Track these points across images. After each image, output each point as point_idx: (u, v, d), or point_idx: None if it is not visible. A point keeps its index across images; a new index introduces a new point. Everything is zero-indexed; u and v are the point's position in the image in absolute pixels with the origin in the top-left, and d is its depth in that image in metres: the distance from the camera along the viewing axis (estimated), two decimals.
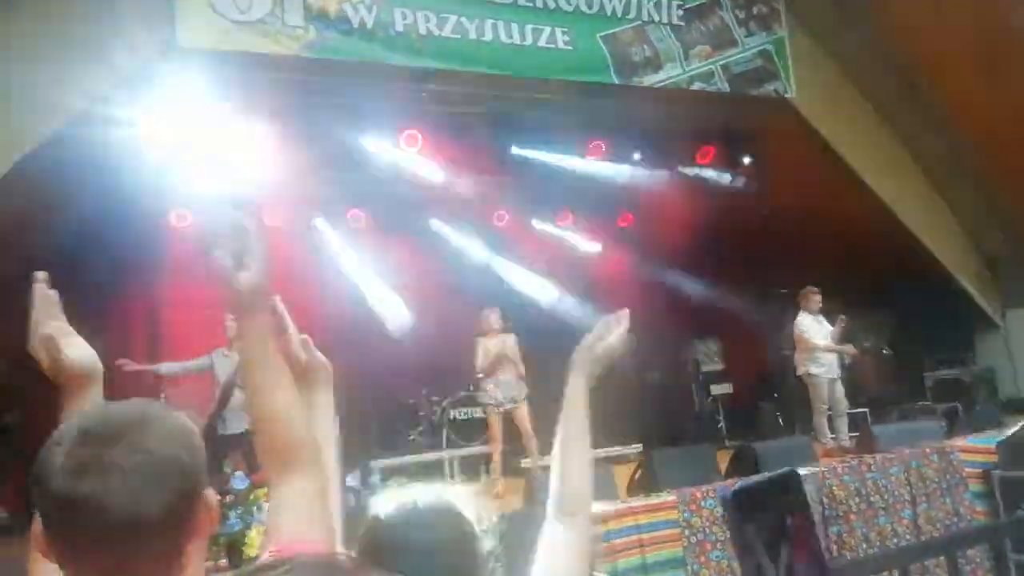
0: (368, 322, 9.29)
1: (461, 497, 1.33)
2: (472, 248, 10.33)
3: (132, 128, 6.91)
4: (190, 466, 0.97)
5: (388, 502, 1.31)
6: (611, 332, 1.55)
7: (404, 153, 8.29)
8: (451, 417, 8.61)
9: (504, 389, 6.96)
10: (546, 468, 5.88)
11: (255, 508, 3.36)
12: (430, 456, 8.11)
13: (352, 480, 3.77)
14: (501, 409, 6.90)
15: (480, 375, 7.14)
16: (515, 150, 8.74)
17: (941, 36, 8.32)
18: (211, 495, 1.01)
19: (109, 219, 7.60)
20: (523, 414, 6.92)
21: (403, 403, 8.99)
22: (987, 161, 9.41)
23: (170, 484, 0.94)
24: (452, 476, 8.18)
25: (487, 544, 1.29)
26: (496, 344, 7.03)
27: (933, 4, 8.03)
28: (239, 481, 3.61)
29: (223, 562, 3.23)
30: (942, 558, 5.19)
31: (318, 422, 1.47)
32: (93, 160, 6.70)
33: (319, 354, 1.51)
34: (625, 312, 1.58)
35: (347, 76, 7.32)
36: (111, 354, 7.52)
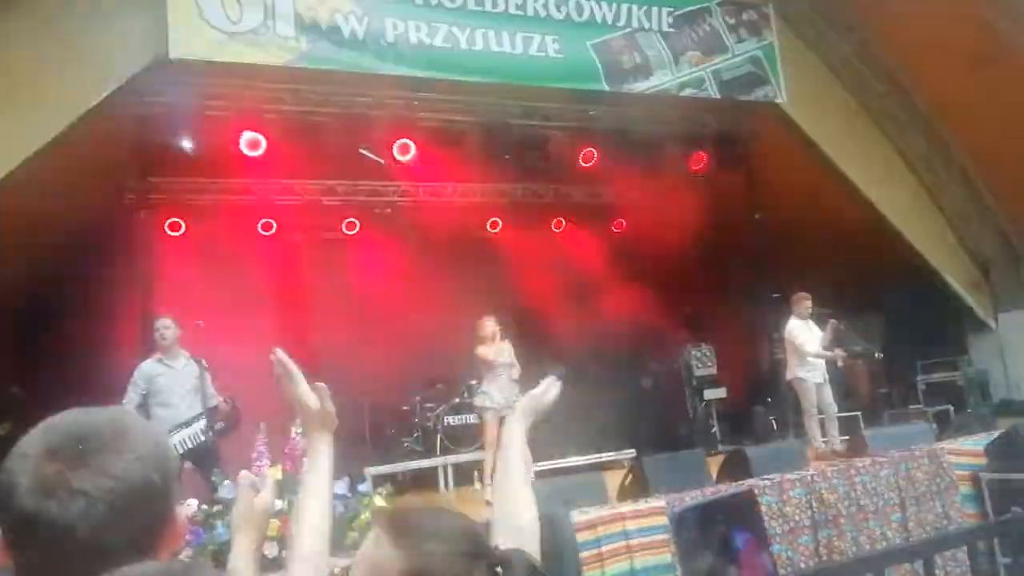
0: (363, 329, 9.31)
1: (457, 515, 1.39)
2: (466, 255, 10.35)
3: (126, 137, 6.96)
4: (160, 490, 0.95)
5: (389, 517, 1.37)
6: (550, 392, 1.72)
7: (397, 161, 8.33)
8: (445, 423, 8.62)
9: (502, 393, 7.01)
10: (538, 475, 5.91)
11: None
12: (424, 463, 8.11)
13: (341, 487, 3.79)
14: (500, 413, 6.94)
15: (473, 382, 7.16)
16: (507, 157, 8.77)
17: (930, 42, 8.39)
18: (180, 514, 1.00)
19: (99, 226, 7.62)
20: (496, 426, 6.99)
21: (397, 410, 9.01)
22: (978, 165, 9.48)
23: (138, 510, 0.92)
24: (446, 483, 8.19)
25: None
26: (494, 351, 7.08)
27: (921, 10, 8.10)
28: (227, 490, 3.64)
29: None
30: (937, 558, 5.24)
31: (318, 466, 1.53)
32: (87, 167, 6.73)
33: (330, 404, 1.57)
34: (556, 379, 1.76)
35: (340, 85, 7.38)
36: (99, 364, 7.57)
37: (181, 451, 5.41)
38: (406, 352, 9.10)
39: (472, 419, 8.39)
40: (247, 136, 7.36)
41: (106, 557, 0.87)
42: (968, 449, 6.22)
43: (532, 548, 1.47)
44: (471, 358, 7.18)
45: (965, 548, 5.43)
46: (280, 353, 1.59)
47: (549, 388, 1.73)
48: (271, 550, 3.40)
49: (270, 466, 3.65)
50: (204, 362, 5.94)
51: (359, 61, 6.89)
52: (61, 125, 5.82)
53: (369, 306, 9.58)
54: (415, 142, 8.14)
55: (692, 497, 4.99)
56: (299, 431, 3.93)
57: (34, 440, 0.94)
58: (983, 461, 6.10)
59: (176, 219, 8.46)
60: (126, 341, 8.10)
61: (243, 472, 1.55)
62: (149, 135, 7.13)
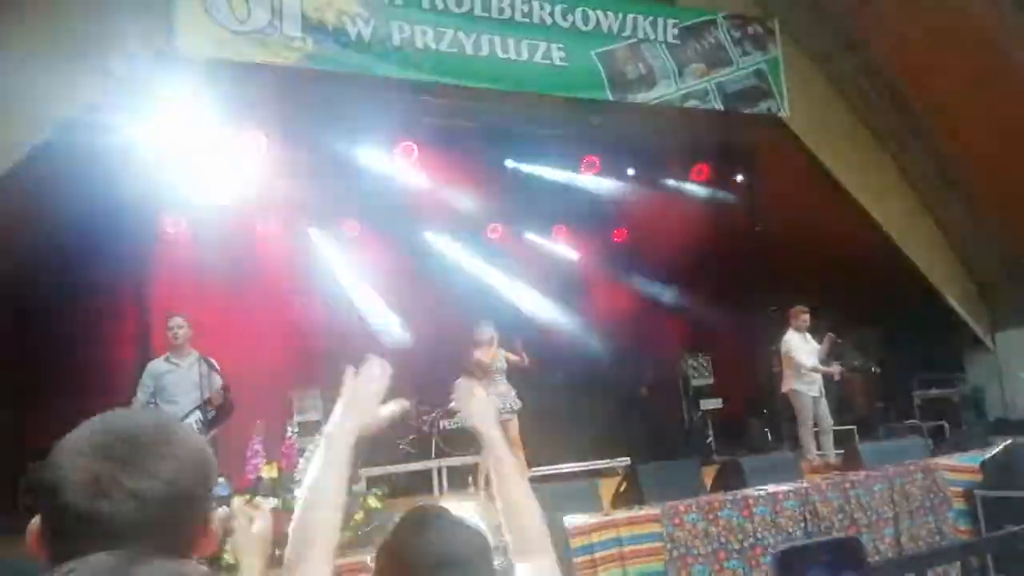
0: (359, 331, 9.33)
1: (479, 512, 1.41)
2: (465, 260, 10.39)
3: (129, 135, 6.96)
4: (203, 498, 1.00)
5: (411, 514, 1.39)
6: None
7: (399, 164, 8.35)
8: (441, 427, 8.62)
9: (499, 400, 7.00)
10: (533, 481, 5.91)
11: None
12: (419, 466, 8.11)
13: (359, 488, 3.79)
14: (497, 419, 6.91)
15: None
16: (510, 164, 8.81)
17: (933, 58, 8.43)
18: (214, 520, 1.04)
19: (100, 225, 7.63)
20: (515, 425, 6.96)
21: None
22: (978, 182, 9.50)
23: (184, 514, 0.96)
24: (441, 486, 8.19)
25: (497, 560, 1.35)
26: (491, 357, 7.08)
27: (925, 27, 8.14)
28: (221, 489, 3.64)
29: (201, 565, 3.25)
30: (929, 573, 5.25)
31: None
32: (88, 166, 6.73)
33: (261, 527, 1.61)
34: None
35: (344, 87, 7.40)
36: (101, 359, 7.57)
37: None
38: (402, 355, 9.10)
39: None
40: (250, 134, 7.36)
41: (160, 556, 0.88)
42: (963, 465, 6.22)
43: (545, 552, 1.50)
44: (468, 363, 7.18)
45: (958, 564, 5.45)
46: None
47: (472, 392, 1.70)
48: None
49: (265, 464, 3.65)
50: (215, 362, 5.98)
51: (365, 63, 6.92)
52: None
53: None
54: (417, 145, 8.15)
55: (687, 506, 5.00)
56: (296, 431, 3.94)
57: (83, 438, 0.96)
58: (978, 478, 6.10)
59: (176, 217, 8.46)
60: (123, 338, 8.13)
61: (235, 500, 1.54)
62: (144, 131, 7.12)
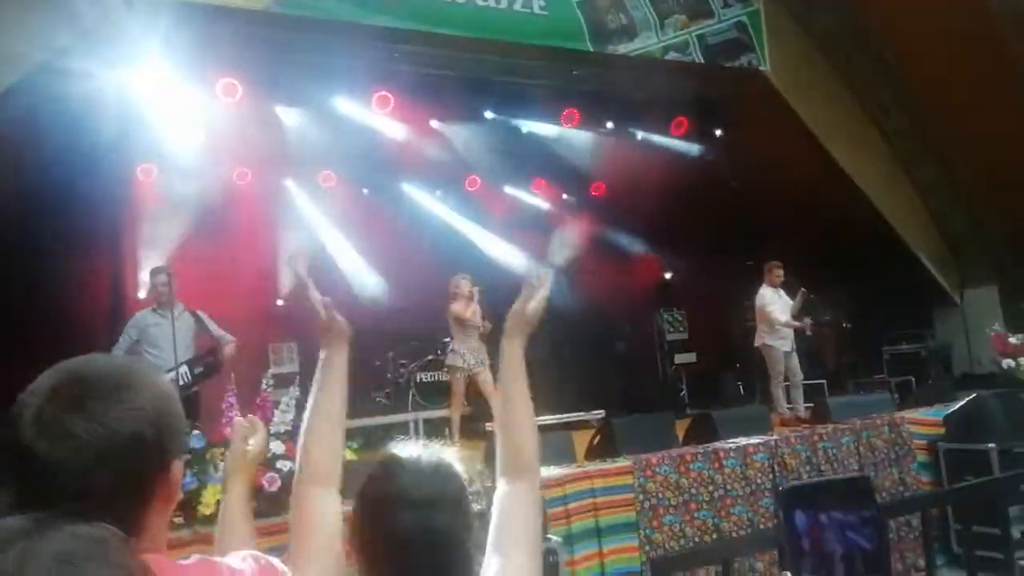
0: (335, 284, 9.26)
1: (457, 458, 1.37)
2: (442, 212, 10.31)
3: (95, 81, 6.76)
4: (153, 443, 0.97)
5: (390, 455, 1.37)
6: (536, 293, 1.62)
7: (375, 114, 8.21)
8: (417, 380, 8.67)
9: (473, 354, 7.02)
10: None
11: (211, 467, 3.41)
12: (395, 418, 8.17)
13: None
14: (469, 373, 6.96)
15: (447, 339, 7.18)
16: (488, 115, 8.69)
17: (913, 16, 8.37)
18: (176, 468, 1.02)
19: (73, 172, 7.45)
20: (487, 378, 6.99)
21: (369, 365, 9.01)
22: (954, 143, 9.55)
23: (125, 460, 0.94)
24: (417, 438, 8.26)
25: (477, 506, 1.34)
26: (469, 310, 7.08)
27: None
28: (196, 440, 3.64)
29: (178, 519, 3.28)
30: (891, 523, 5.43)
31: (326, 382, 1.56)
32: (55, 113, 6.54)
33: (339, 316, 1.62)
34: (547, 273, 1.67)
35: (317, 34, 7.21)
36: (74, 305, 7.46)
37: None
38: (380, 308, 9.08)
39: (444, 376, 8.43)
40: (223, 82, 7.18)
41: (90, 501, 0.90)
42: (927, 419, 6.40)
43: (534, 472, 1.50)
44: (445, 316, 7.18)
45: (919, 514, 5.64)
46: (294, 259, 1.69)
47: (533, 290, 1.63)
48: None
49: (239, 417, 3.65)
50: (202, 313, 5.96)
51: (339, 9, 6.73)
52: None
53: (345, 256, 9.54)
54: (393, 94, 8.00)
55: (659, 458, 5.10)
56: (270, 383, 3.93)
57: (44, 380, 0.97)
58: (940, 431, 6.29)
59: (148, 164, 8.28)
60: (96, 285, 8.02)
61: (237, 419, 1.57)
62: (121, 78, 6.93)
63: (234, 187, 8.72)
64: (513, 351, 1.58)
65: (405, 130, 8.55)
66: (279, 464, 3.54)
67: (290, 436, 3.69)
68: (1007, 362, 6.98)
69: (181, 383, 5.47)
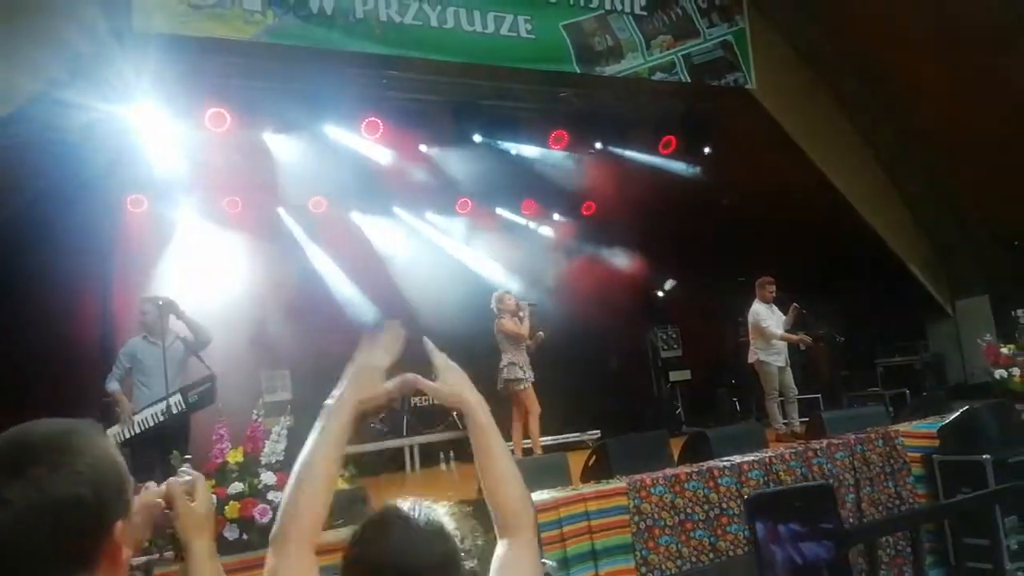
0: (330, 309, 9.26)
1: (448, 514, 1.35)
2: (434, 235, 10.34)
3: (87, 112, 6.79)
4: (94, 506, 0.97)
5: (373, 518, 1.34)
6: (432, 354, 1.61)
7: (365, 140, 8.25)
8: (412, 405, 8.64)
9: (526, 367, 7.18)
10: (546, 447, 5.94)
11: None
12: (390, 444, 8.14)
13: None
14: (525, 386, 7.07)
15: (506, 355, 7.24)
16: (477, 138, 8.75)
17: (898, 29, 8.48)
18: (121, 529, 1.01)
19: (64, 201, 7.47)
20: (534, 393, 7.15)
21: None
22: (940, 154, 9.64)
23: (63, 524, 0.94)
24: (413, 464, 8.23)
25: (469, 563, 1.31)
26: (521, 325, 7.18)
27: (885, 2, 8.18)
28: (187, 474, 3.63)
29: (168, 554, 3.25)
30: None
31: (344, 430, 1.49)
32: (48, 143, 6.58)
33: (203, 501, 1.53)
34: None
35: (306, 62, 7.27)
36: (60, 337, 7.44)
37: (149, 426, 5.45)
38: (371, 332, 9.06)
39: (438, 401, 8.42)
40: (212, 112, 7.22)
41: (33, 567, 0.91)
42: (921, 432, 6.38)
43: (524, 527, 1.47)
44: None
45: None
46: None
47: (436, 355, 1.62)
48: (231, 532, 3.40)
49: (231, 449, 3.64)
50: (192, 340, 5.96)
51: (328, 37, 6.80)
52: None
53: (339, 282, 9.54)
54: (382, 120, 8.05)
55: (654, 479, 5.08)
56: (261, 413, 3.93)
57: None
58: (935, 443, 6.28)
59: (138, 195, 8.29)
60: (87, 315, 8.00)
61: (171, 479, 1.48)
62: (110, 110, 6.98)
63: (225, 215, 8.74)
64: (480, 406, 1.56)
65: (395, 155, 8.59)
66: (270, 495, 3.52)
67: (281, 467, 3.68)
68: (999, 372, 6.99)
69: (175, 411, 5.45)
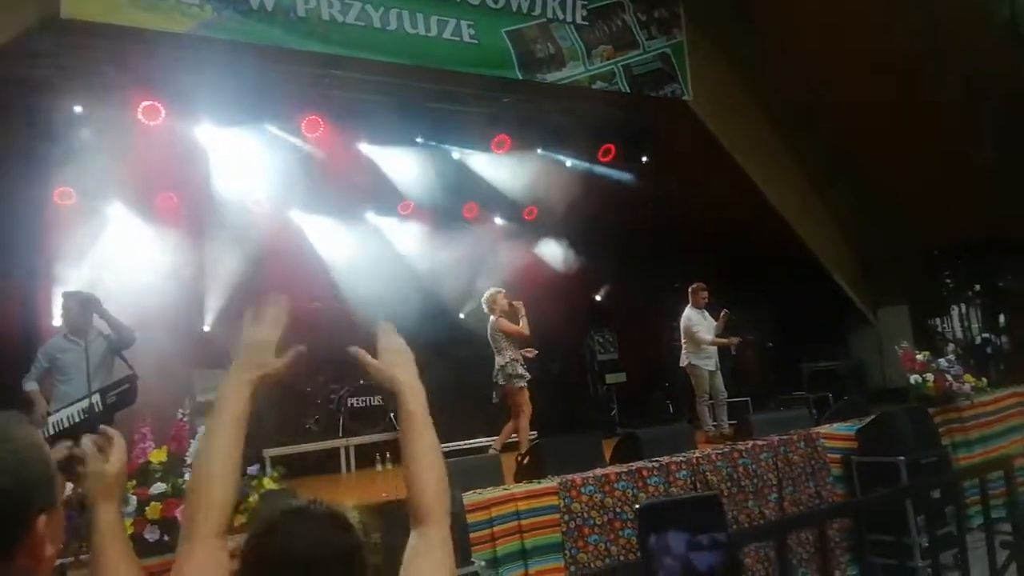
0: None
1: (353, 510, 1.32)
2: (377, 236, 10.28)
3: (12, 100, 6.58)
4: (15, 496, 0.95)
5: (272, 512, 1.31)
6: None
7: (305, 138, 8.18)
8: (348, 405, 8.58)
9: (523, 365, 7.24)
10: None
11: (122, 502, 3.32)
12: (325, 445, 8.06)
13: (253, 470, 3.75)
14: (523, 384, 7.16)
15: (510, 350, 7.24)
16: (420, 140, 8.76)
17: (826, 47, 8.82)
18: (42, 523, 0.99)
19: None
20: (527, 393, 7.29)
21: (300, 391, 8.90)
22: (865, 168, 10.06)
23: None
24: (348, 465, 8.18)
25: (372, 559, 1.29)
26: (521, 324, 7.24)
27: (820, 15, 8.50)
28: None
29: (84, 556, 3.19)
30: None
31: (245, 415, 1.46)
32: None
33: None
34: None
35: (245, 58, 7.17)
36: None
37: (67, 426, 5.28)
38: (311, 331, 8.98)
39: (375, 401, 8.39)
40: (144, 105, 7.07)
41: None
42: (841, 434, 6.66)
43: (439, 521, 1.45)
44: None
45: (836, 525, 5.87)
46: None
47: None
48: (152, 534, 3.35)
49: (154, 449, 3.58)
50: (115, 338, 5.78)
51: (268, 33, 6.73)
52: None
53: (277, 283, 9.39)
54: (323, 119, 8.00)
55: (584, 478, 5.18)
56: (187, 412, 3.88)
57: None
58: (853, 444, 6.56)
59: (67, 188, 8.04)
60: (8, 312, 7.72)
61: (84, 437, 1.40)
62: (38, 99, 6.78)
63: (159, 211, 8.54)
64: (403, 394, 1.54)
65: (336, 154, 8.53)
66: None
67: None
68: (915, 378, 7.32)
69: (96, 412, 5.31)
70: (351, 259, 9.81)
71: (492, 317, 7.32)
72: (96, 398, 5.40)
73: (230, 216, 9.18)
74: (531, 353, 7.42)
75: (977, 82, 8.92)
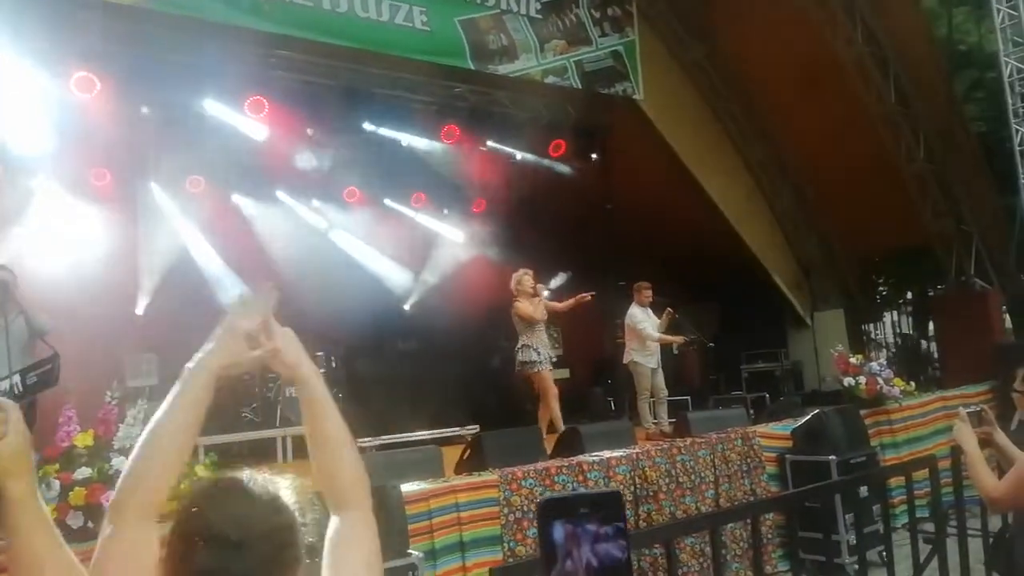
0: (204, 293, 8.85)
1: (289, 488, 1.26)
2: (319, 223, 10.09)
3: None
4: None
5: (211, 484, 1.26)
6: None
7: (248, 119, 7.95)
8: (286, 394, 8.38)
9: (544, 348, 7.14)
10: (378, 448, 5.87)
11: (45, 486, 3.16)
12: (262, 434, 7.86)
13: None
14: (538, 369, 7.07)
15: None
16: (367, 126, 8.60)
17: (771, 53, 9.02)
18: None
19: None
20: (550, 376, 7.22)
21: (236, 380, 8.67)
22: (806, 174, 10.33)
23: None
24: (285, 456, 7.99)
25: (308, 538, 1.24)
26: (536, 309, 7.15)
27: (766, 25, 8.68)
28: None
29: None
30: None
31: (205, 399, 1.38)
32: None
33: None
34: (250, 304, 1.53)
35: (189, 33, 6.94)
36: None
37: None
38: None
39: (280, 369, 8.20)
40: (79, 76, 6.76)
41: None
42: (776, 433, 6.80)
43: (359, 505, 1.41)
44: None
45: (768, 521, 5.99)
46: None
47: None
48: (76, 520, 3.19)
49: (80, 433, 3.42)
50: (33, 316, 5.47)
51: (211, 8, 6.51)
52: None
53: (216, 267, 9.13)
54: (268, 100, 7.78)
55: (525, 472, 5.16)
56: (116, 396, 3.71)
57: None
58: (788, 443, 6.71)
59: None
60: None
61: None
62: None
63: (91, 187, 8.19)
64: (302, 376, 1.46)
65: (280, 137, 8.31)
66: None
67: None
68: (848, 380, 7.54)
69: (15, 393, 5.04)
70: (293, 246, 9.60)
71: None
72: (16, 379, 5.11)
73: (166, 196, 8.90)
74: (584, 298, 7.46)
75: (911, 93, 9.27)
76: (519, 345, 7.27)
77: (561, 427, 7.13)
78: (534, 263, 11.03)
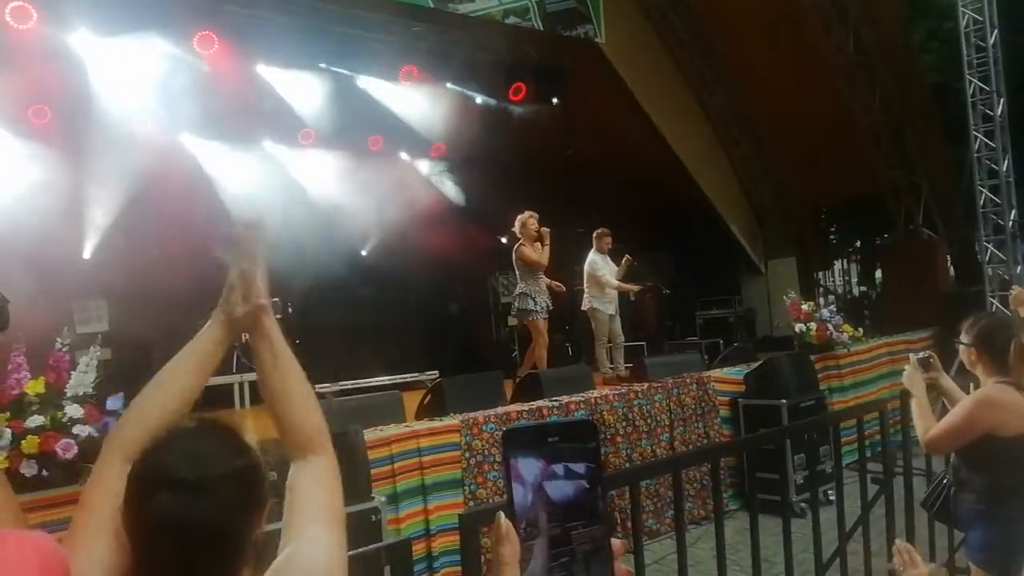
0: (155, 237, 8.58)
1: (248, 427, 1.25)
2: (271, 166, 9.80)
3: None
4: None
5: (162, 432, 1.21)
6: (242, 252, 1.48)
7: (197, 55, 7.61)
8: (242, 339, 8.25)
9: (543, 296, 7.04)
10: (338, 394, 5.84)
11: None
12: (218, 380, 7.76)
13: (114, 403, 3.50)
14: (535, 317, 6.98)
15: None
16: (323, 65, 8.32)
17: (732, 4, 8.94)
18: None
19: None
20: (543, 325, 7.12)
21: (190, 324, 8.50)
22: (764, 125, 10.38)
23: None
24: (241, 400, 7.94)
25: (268, 476, 1.22)
26: (542, 254, 7.01)
27: None
28: None
29: None
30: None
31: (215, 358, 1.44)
32: None
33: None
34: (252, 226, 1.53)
35: None
36: None
37: None
38: (202, 264, 8.54)
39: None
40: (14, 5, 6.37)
41: None
42: (730, 378, 6.99)
43: (322, 450, 1.40)
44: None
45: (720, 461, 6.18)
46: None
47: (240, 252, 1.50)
48: (29, 468, 3.12)
49: (30, 380, 3.32)
50: None
51: None
52: None
53: (166, 210, 8.84)
54: (217, 35, 7.46)
55: (486, 416, 5.21)
56: (66, 343, 3.60)
57: None
58: (742, 388, 6.90)
59: None
60: None
61: None
62: None
63: (31, 125, 7.79)
64: (262, 325, 1.44)
65: (230, 75, 7.99)
66: (76, 429, 3.25)
67: (90, 399, 3.41)
68: (799, 327, 7.74)
69: None
70: (246, 189, 9.33)
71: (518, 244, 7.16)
72: None
73: (112, 136, 8.52)
74: (559, 289, 7.34)
75: (869, 44, 9.32)
76: (517, 292, 7.19)
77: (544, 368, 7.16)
78: (493, 209, 11.02)
